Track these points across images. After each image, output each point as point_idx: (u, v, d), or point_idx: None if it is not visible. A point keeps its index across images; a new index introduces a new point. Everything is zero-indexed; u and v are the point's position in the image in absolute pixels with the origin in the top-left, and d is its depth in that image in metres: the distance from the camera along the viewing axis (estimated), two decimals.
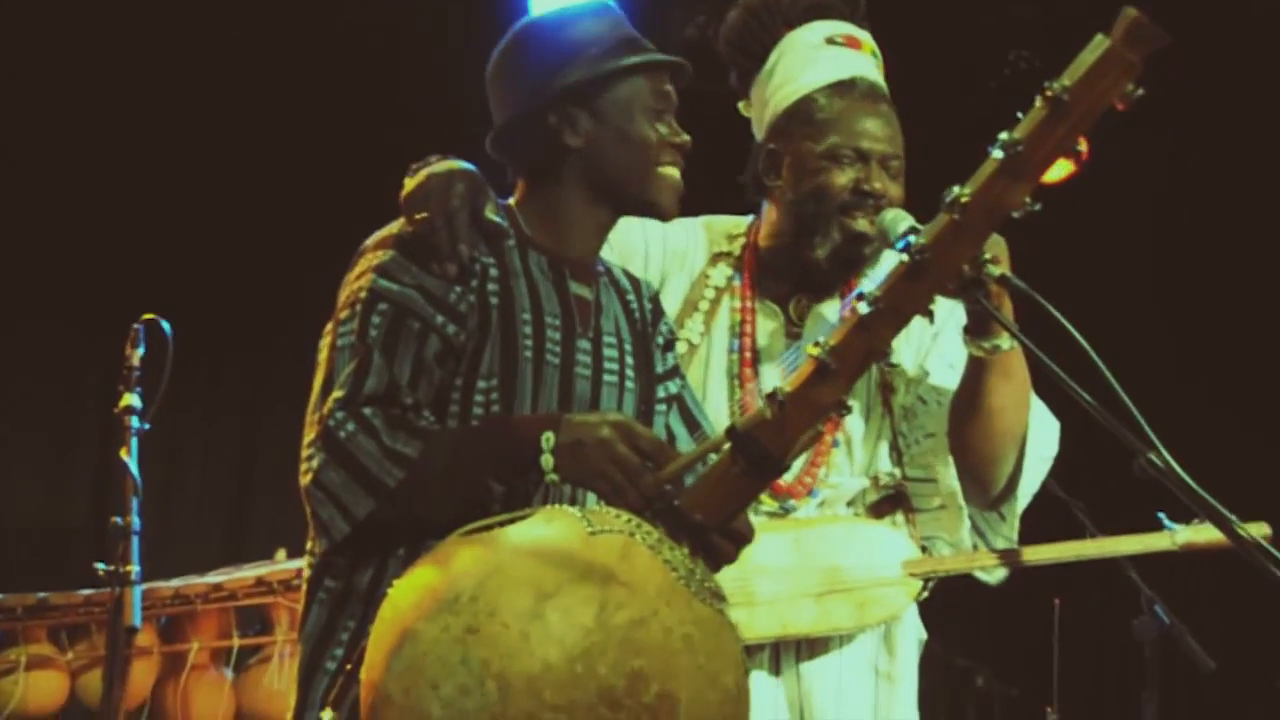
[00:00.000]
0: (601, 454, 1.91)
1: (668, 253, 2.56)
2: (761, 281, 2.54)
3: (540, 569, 1.79)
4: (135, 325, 3.12)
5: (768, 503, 2.48)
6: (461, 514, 1.89)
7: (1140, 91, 1.70)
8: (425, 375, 2.00)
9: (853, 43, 2.54)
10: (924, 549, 2.52)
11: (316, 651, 2.01)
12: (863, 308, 1.80)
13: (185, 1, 4.43)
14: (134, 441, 3.06)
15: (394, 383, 1.97)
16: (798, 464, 2.48)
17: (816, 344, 1.83)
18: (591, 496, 2.01)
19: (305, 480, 1.95)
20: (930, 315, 1.69)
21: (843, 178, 2.48)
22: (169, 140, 4.49)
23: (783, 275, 2.54)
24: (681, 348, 2.50)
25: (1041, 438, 2.54)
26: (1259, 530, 2.19)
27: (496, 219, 2.07)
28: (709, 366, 2.52)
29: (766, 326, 2.54)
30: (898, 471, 2.54)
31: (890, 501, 2.55)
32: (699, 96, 4.81)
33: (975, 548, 2.55)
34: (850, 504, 2.54)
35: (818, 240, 2.51)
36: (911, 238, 1.78)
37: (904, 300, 1.79)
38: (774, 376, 2.50)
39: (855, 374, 1.85)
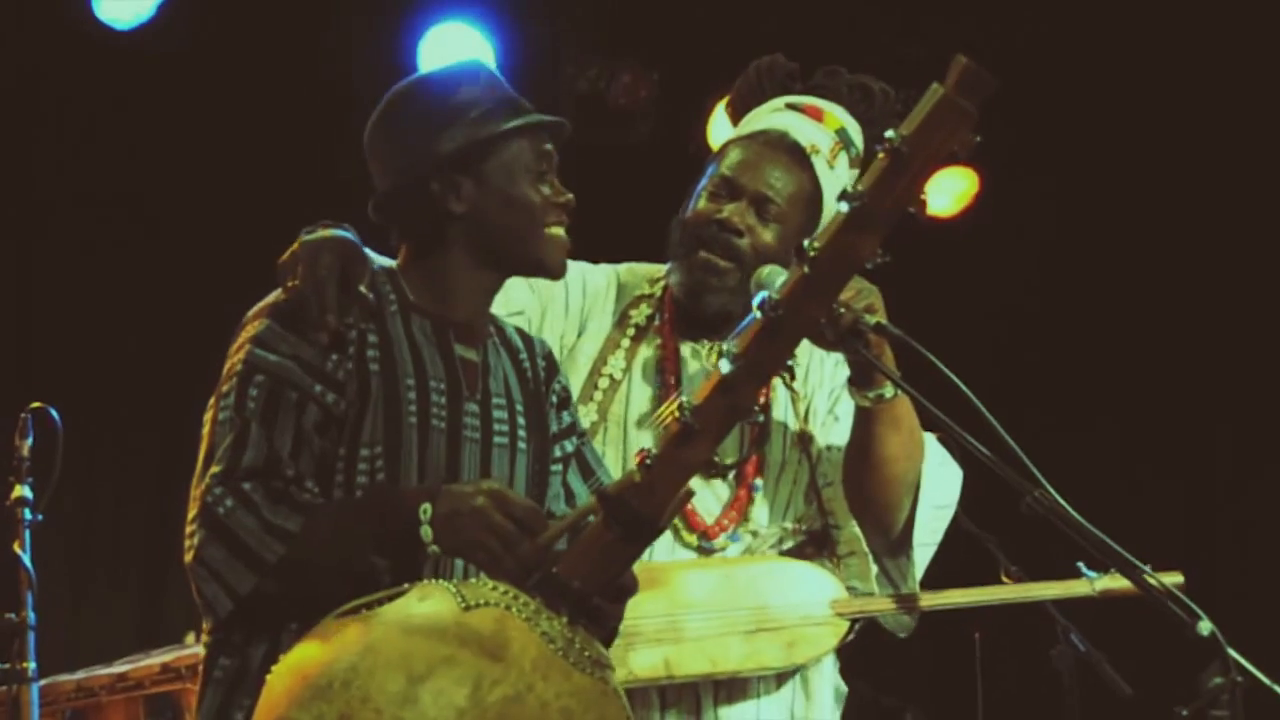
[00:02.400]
0: (477, 523, 1.90)
1: (588, 294, 2.55)
2: (680, 323, 2.53)
3: (413, 649, 1.78)
4: (23, 414, 3.06)
5: (687, 538, 2.46)
6: (347, 588, 1.87)
7: (978, 139, 1.70)
8: (306, 446, 1.98)
9: (813, 112, 2.52)
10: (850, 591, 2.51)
11: None
12: (724, 366, 1.79)
13: (61, 87, 4.39)
14: (27, 534, 3.00)
15: (274, 455, 1.96)
16: (718, 506, 2.47)
17: (680, 405, 1.82)
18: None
19: (188, 558, 1.95)
20: (791, 372, 1.70)
21: (708, 207, 2.46)
22: (49, 219, 4.44)
23: (694, 318, 2.52)
24: (604, 383, 2.50)
25: (939, 485, 2.53)
26: (1168, 579, 2.20)
27: (366, 292, 2.06)
28: (629, 403, 2.51)
29: (690, 366, 2.53)
30: (816, 517, 2.52)
31: (812, 546, 2.54)
32: (589, 149, 4.85)
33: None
34: (774, 548, 2.52)
35: (673, 266, 2.50)
36: (765, 294, 1.77)
37: (764, 357, 1.79)
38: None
39: (720, 433, 1.84)
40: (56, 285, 4.42)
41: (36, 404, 3.08)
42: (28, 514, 3.02)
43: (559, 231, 2.11)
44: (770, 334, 1.76)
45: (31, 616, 2.93)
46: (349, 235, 2.10)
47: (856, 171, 2.55)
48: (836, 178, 2.50)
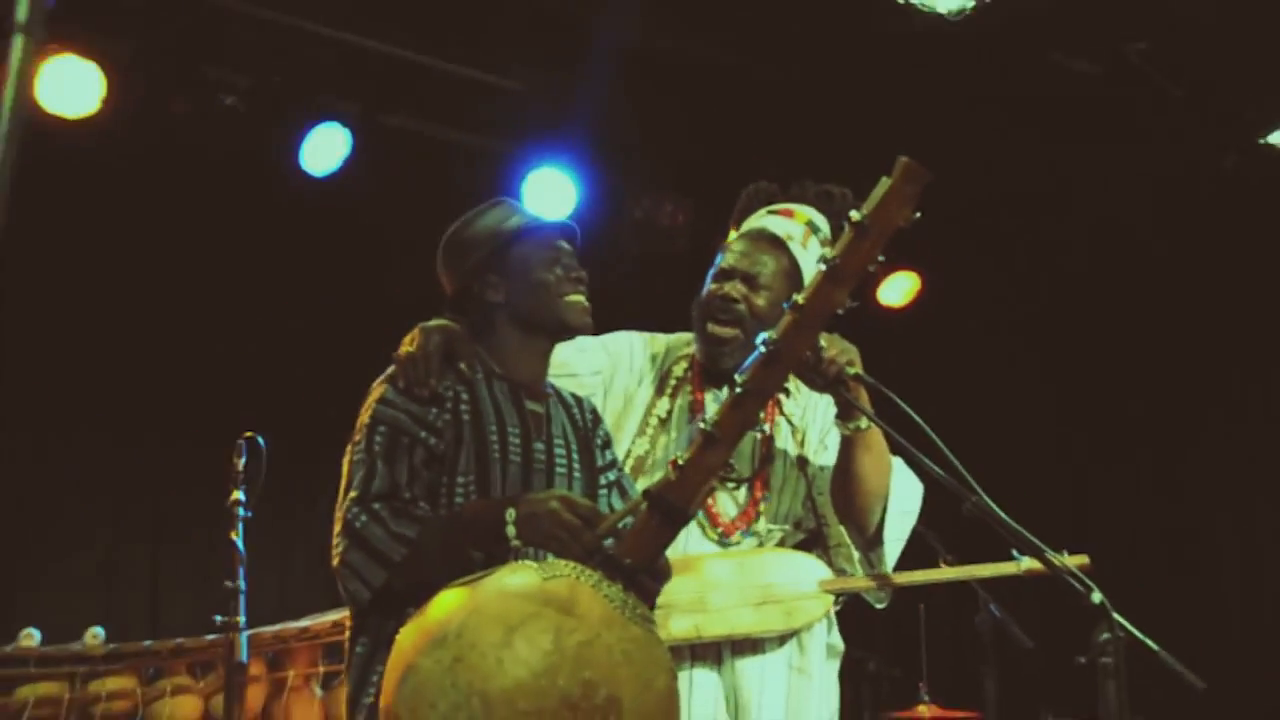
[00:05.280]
0: (551, 521, 1.79)
1: (645, 358, 2.49)
2: (704, 376, 2.45)
3: (507, 608, 1.66)
4: (238, 440, 2.97)
5: (711, 534, 2.35)
6: (452, 577, 1.76)
7: (919, 214, 1.64)
8: (417, 477, 1.92)
9: (785, 212, 2.48)
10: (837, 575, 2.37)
11: (356, 689, 1.90)
12: (736, 390, 1.69)
13: (270, 218, 4.34)
14: (240, 526, 2.90)
15: (394, 483, 1.89)
16: (734, 510, 2.37)
17: (704, 420, 1.72)
18: (551, 556, 1.86)
19: (335, 563, 1.87)
20: (786, 392, 1.62)
21: (715, 287, 2.42)
22: (266, 332, 4.40)
23: (714, 373, 2.44)
24: (654, 422, 2.43)
25: (905, 495, 2.41)
26: (1076, 560, 2.05)
27: (466, 368, 2.01)
28: (672, 437, 2.42)
29: (711, 409, 2.37)
30: (811, 520, 2.41)
31: (810, 541, 2.43)
32: (646, 256, 4.74)
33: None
34: (780, 543, 2.39)
35: (696, 338, 2.44)
36: (766, 334, 1.67)
37: (764, 382, 1.69)
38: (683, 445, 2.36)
39: (734, 441, 1.72)
40: (271, 357, 4.38)
41: (248, 433, 2.99)
42: (242, 511, 2.94)
43: (576, 298, 2.02)
44: (769, 363, 1.67)
45: (242, 584, 2.83)
46: (454, 326, 2.04)
47: (828, 249, 2.44)
48: (809, 253, 2.43)
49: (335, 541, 1.86)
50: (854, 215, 1.65)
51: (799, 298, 1.67)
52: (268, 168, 4.19)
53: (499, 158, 4.44)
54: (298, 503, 4.21)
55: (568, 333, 2.05)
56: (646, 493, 1.75)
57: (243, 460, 2.95)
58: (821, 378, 2.12)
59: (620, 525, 1.81)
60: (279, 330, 4.42)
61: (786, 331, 1.67)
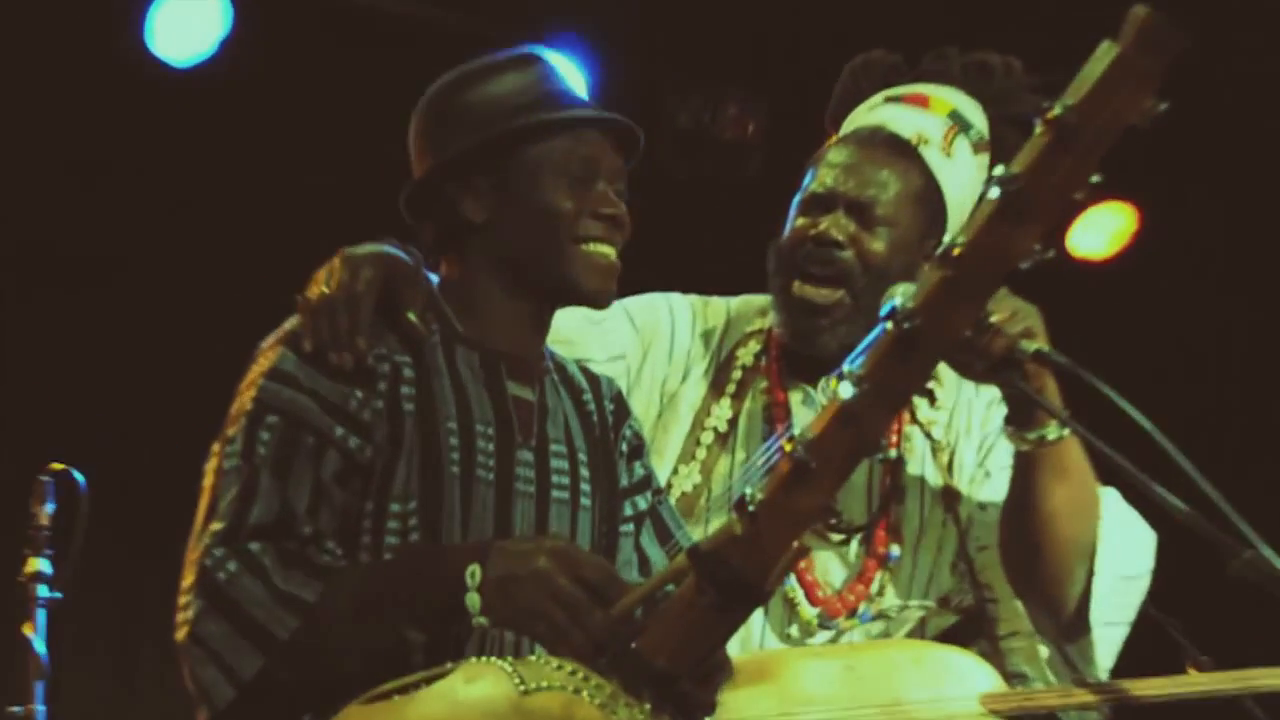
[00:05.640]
0: (538, 589, 1.75)
1: (695, 333, 2.48)
2: (790, 359, 2.42)
3: None
4: (42, 478, 2.95)
5: (805, 615, 2.34)
6: (374, 670, 1.73)
7: (1164, 106, 1.54)
8: (325, 500, 1.86)
9: (917, 100, 2.44)
10: (1012, 685, 2.33)
11: None
12: (845, 390, 1.62)
13: (113, 125, 4.32)
14: (41, 614, 2.89)
15: (288, 509, 1.84)
16: (841, 576, 2.36)
17: (792, 438, 1.66)
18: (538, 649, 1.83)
19: (180, 635, 1.81)
20: (931, 396, 1.59)
21: (803, 223, 2.37)
22: (89, 263, 4.39)
23: (805, 359, 2.42)
24: (707, 438, 2.41)
25: (1127, 551, 2.36)
26: None
27: (415, 320, 1.94)
28: (738, 461, 2.41)
29: (801, 416, 2.39)
30: (967, 592, 2.38)
31: (966, 629, 2.40)
32: (697, 184, 4.79)
33: None
34: (918, 632, 2.40)
35: (776, 304, 2.40)
36: (897, 301, 1.61)
37: (894, 379, 1.62)
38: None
39: (842, 474, 1.67)
40: (91, 336, 4.36)
41: (58, 465, 2.97)
42: (44, 591, 2.92)
43: (597, 248, 1.97)
44: (903, 350, 1.60)
45: (41, 710, 2.80)
46: (402, 254, 1.98)
47: (985, 156, 2.43)
48: (956, 165, 2.40)
49: (183, 601, 1.81)
50: (1052, 108, 1.53)
51: (956, 241, 1.58)
52: (102, 53, 4.19)
53: (469, 41, 4.43)
54: (144, 574, 4.11)
55: (573, 298, 2.01)
56: (694, 552, 1.71)
57: (47, 509, 2.94)
58: (983, 359, 2.06)
59: (652, 601, 1.78)
60: (114, 301, 4.39)
61: (933, 298, 1.58)
